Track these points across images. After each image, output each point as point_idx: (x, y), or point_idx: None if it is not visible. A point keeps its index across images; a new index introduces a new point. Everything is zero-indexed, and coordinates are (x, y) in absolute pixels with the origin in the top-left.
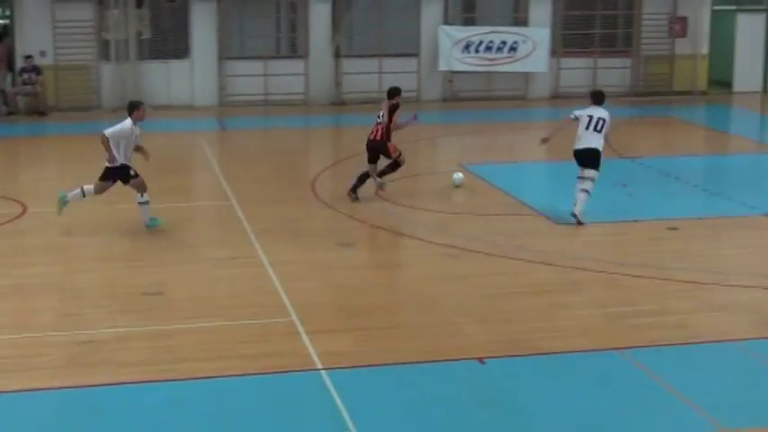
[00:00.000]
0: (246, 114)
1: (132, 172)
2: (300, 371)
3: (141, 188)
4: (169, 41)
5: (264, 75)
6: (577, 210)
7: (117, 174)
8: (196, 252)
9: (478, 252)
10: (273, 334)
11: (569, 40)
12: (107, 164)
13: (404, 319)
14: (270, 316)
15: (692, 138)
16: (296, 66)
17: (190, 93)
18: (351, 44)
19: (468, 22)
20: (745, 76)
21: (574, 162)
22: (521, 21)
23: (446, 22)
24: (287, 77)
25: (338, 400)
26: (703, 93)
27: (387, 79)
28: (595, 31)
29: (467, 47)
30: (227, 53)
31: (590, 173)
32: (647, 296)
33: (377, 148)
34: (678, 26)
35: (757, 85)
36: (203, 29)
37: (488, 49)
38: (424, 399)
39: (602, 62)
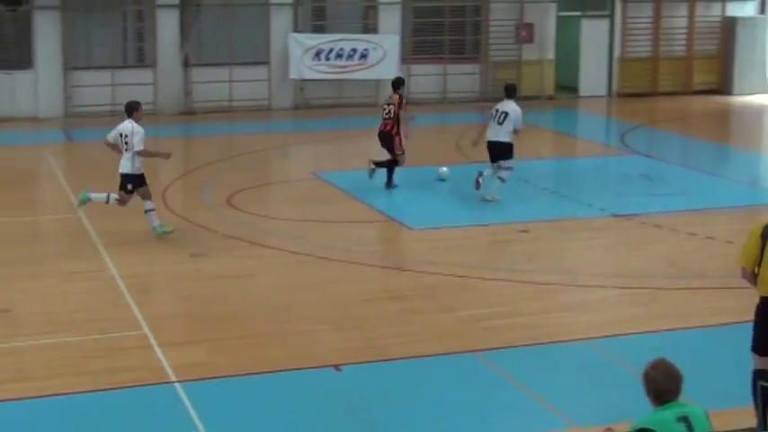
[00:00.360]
0: (94, 126)
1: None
2: (154, 384)
3: (148, 195)
4: (12, 51)
5: (112, 85)
6: (489, 196)
7: (136, 181)
8: (43, 266)
9: (332, 260)
10: (125, 348)
11: (419, 46)
12: (131, 171)
13: (258, 329)
14: (121, 329)
15: (540, 142)
16: (144, 75)
17: (34, 104)
18: (200, 53)
19: (319, 29)
20: (590, 80)
21: (425, 167)
22: (371, 28)
23: (296, 30)
24: (135, 87)
25: (193, 413)
26: (551, 97)
27: (237, 88)
28: (444, 38)
29: (317, 54)
30: (72, 63)
31: (505, 163)
32: (500, 298)
33: (385, 138)
34: (525, 32)
35: (602, 89)
36: (47, 38)
37: (339, 56)
38: (281, 408)
39: (452, 68)
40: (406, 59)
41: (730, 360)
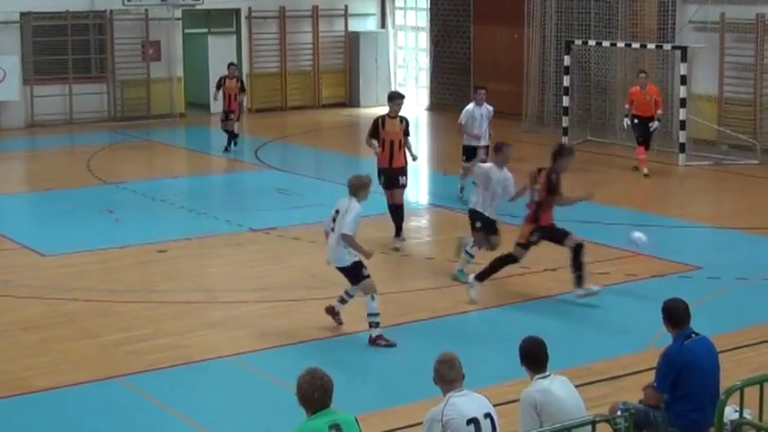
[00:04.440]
0: None
1: None
2: None
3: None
4: None
5: None
6: None
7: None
8: None
9: None
10: None
11: (42, 67)
12: None
13: None
14: None
15: (173, 160)
16: None
17: None
18: None
19: None
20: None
21: (52, 192)
22: None
23: None
24: None
25: None
26: (182, 115)
27: None
28: (68, 57)
29: None
30: None
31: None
32: (141, 321)
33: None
34: (152, 50)
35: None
36: None
37: None
38: None
39: (78, 88)
40: (28, 81)
41: (378, 364)
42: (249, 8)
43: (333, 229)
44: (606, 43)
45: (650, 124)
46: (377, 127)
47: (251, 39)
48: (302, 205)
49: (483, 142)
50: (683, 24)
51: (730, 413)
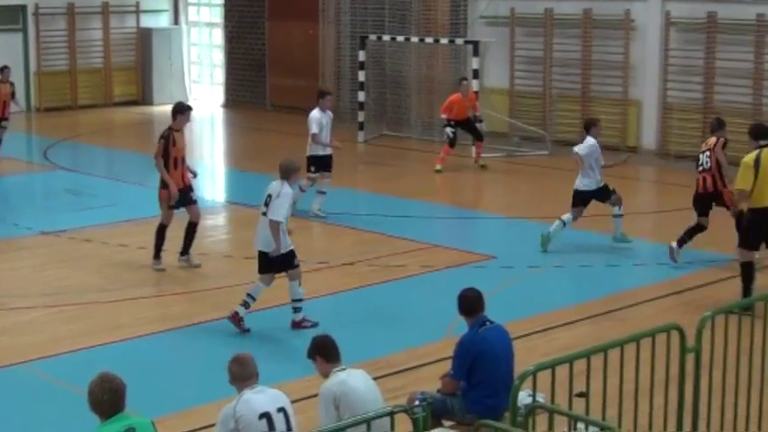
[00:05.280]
0: None
1: None
2: None
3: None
4: None
5: None
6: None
7: None
8: None
9: None
10: None
11: None
12: None
13: None
14: None
15: None
16: None
17: None
18: None
19: None
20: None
21: None
22: None
23: None
24: None
25: None
26: None
27: None
28: None
29: None
30: None
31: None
32: None
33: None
34: None
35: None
36: None
37: None
38: None
39: None
40: None
41: (173, 365)
42: (36, 4)
43: (263, 213)
44: (400, 38)
45: (477, 125)
46: (167, 146)
47: (38, 36)
48: (94, 206)
49: (329, 151)
50: (475, 19)
51: (524, 398)
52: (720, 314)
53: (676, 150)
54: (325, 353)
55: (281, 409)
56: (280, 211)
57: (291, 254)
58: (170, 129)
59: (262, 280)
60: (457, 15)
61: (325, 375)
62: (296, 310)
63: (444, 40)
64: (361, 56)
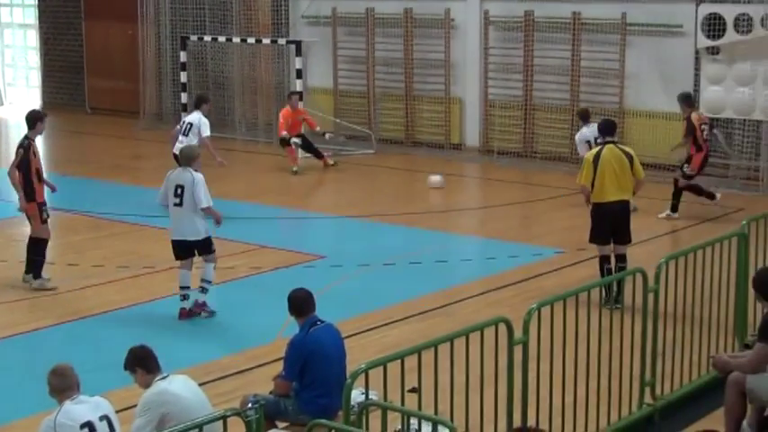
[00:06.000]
0: None
1: None
2: None
3: None
4: None
5: None
6: None
7: None
8: None
9: None
10: None
11: None
12: None
13: None
14: None
15: None
16: None
17: None
18: None
19: None
20: None
21: None
22: None
23: None
24: None
25: None
26: None
27: None
28: None
29: None
30: None
31: None
32: None
33: None
34: None
35: None
36: None
37: None
38: None
39: None
40: None
41: None
42: None
43: (177, 204)
44: (222, 39)
45: (327, 136)
46: (28, 157)
47: None
48: None
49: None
50: (297, 19)
51: (357, 396)
52: (546, 306)
53: (499, 146)
54: (145, 364)
55: (105, 417)
56: (206, 197)
57: (210, 238)
58: (28, 138)
59: (184, 266)
60: (279, 15)
61: (146, 386)
62: (204, 291)
63: (267, 41)
64: (183, 57)
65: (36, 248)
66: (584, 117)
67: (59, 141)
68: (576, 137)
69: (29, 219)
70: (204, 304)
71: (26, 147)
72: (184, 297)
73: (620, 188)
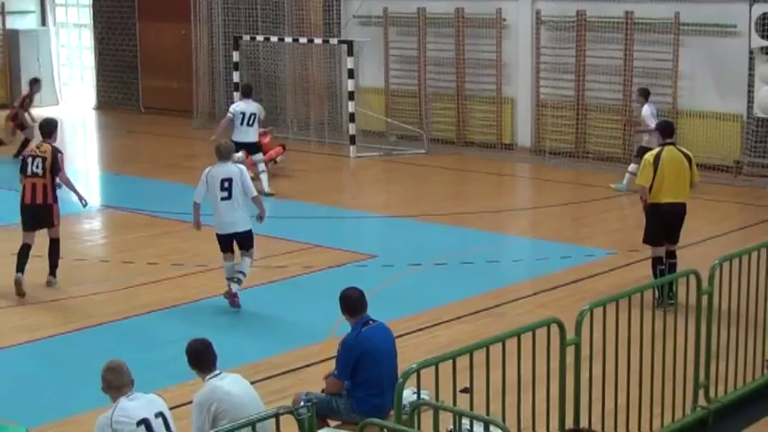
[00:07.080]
0: None
1: None
2: None
3: None
4: None
5: None
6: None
7: None
8: None
9: None
10: None
11: None
12: None
13: None
14: None
15: None
16: None
17: None
18: None
19: None
20: None
21: None
22: None
23: None
24: None
25: None
26: None
27: None
28: None
29: None
30: None
31: (257, 157)
32: None
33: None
34: None
35: None
36: None
37: None
38: None
39: None
40: None
41: (45, 375)
42: None
43: (226, 198)
44: (274, 38)
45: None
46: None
47: None
48: None
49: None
50: (348, 19)
51: (409, 395)
52: (598, 307)
53: (551, 147)
54: (195, 362)
55: (160, 414)
56: (253, 186)
57: (252, 233)
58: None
59: (228, 259)
60: (330, 15)
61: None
62: (240, 282)
63: (318, 40)
64: (235, 56)
65: (58, 249)
66: (646, 95)
67: (114, 140)
68: (643, 113)
69: (53, 222)
70: (236, 295)
71: (61, 152)
72: (238, 281)
73: (677, 190)
